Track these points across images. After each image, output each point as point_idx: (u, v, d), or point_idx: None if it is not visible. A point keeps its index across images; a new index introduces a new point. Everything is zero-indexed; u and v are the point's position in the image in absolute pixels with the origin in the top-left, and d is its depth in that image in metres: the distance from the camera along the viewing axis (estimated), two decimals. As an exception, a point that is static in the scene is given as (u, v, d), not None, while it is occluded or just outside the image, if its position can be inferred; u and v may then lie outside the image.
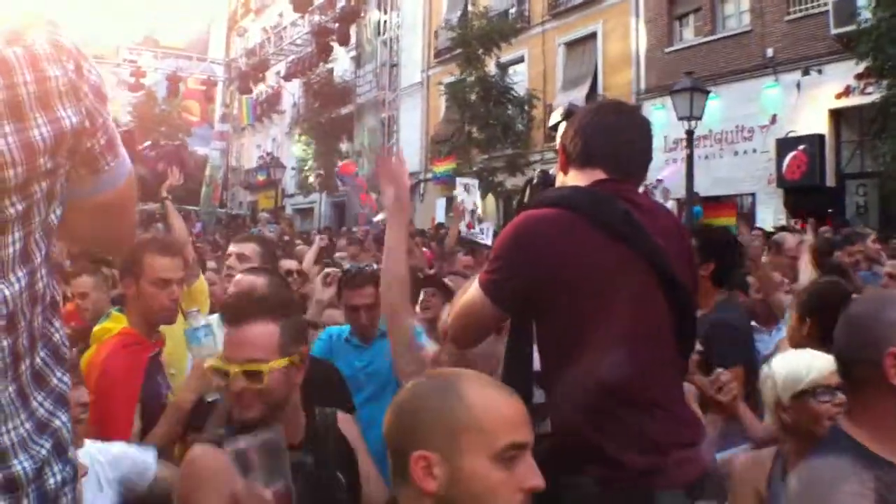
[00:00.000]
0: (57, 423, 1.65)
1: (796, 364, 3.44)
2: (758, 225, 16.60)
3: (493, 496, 1.93)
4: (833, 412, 3.24)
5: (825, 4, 19.99)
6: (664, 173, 16.72)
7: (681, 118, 17.85)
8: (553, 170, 3.34)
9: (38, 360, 1.61)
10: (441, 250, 13.35)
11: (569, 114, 3.33)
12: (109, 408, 3.62)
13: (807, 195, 20.35)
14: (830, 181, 20.68)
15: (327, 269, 6.17)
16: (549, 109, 28.24)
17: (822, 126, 20.70)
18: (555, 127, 3.39)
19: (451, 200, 26.07)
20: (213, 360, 2.89)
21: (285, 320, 2.85)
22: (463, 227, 13.95)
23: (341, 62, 39.61)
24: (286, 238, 18.56)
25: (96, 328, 4.14)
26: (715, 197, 21.41)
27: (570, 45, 29.66)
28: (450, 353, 3.37)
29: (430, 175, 33.29)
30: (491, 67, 26.40)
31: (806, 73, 20.75)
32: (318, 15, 33.00)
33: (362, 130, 36.16)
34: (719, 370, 4.04)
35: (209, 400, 3.57)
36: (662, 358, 2.79)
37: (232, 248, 5.40)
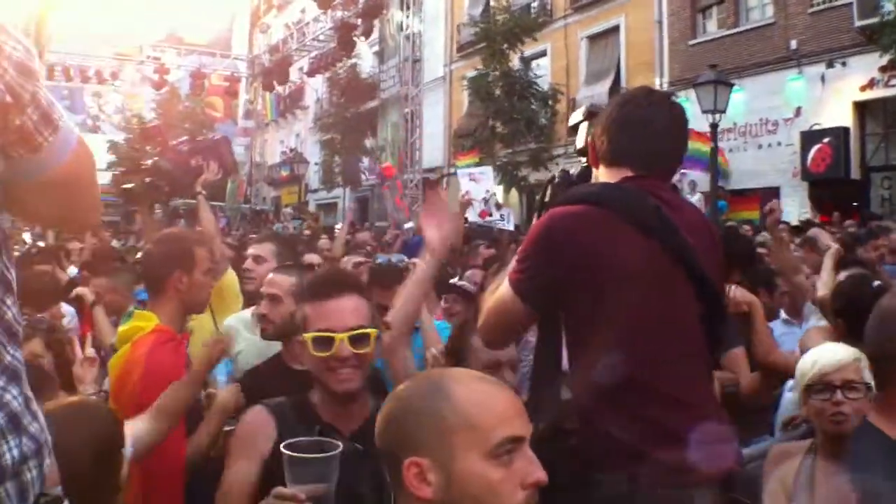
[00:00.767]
0: (8, 397, 1.63)
1: (807, 359, 3.49)
2: (783, 219, 16.55)
3: (494, 496, 1.85)
4: (831, 410, 3.30)
5: (849, -4, 19.90)
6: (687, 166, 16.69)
7: (705, 111, 17.78)
8: (574, 169, 3.35)
9: None
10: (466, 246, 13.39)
11: (590, 115, 3.31)
12: None
13: (832, 188, 20.30)
14: (855, 174, 20.61)
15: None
16: (572, 104, 28.22)
17: (846, 118, 20.63)
18: (575, 128, 3.40)
19: (474, 195, 26.14)
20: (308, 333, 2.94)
21: (366, 297, 3.03)
22: (474, 216, 13.92)
23: (364, 57, 39.65)
24: (310, 233, 18.60)
25: (124, 328, 4.13)
26: (739, 190, 21.35)
27: (593, 39, 29.63)
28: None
29: (452, 170, 33.27)
30: (515, 62, 26.33)
31: (830, 65, 20.67)
32: (341, 10, 32.97)
33: (386, 125, 36.19)
34: (734, 287, 4.13)
35: (226, 430, 3.61)
36: (691, 353, 2.78)
37: (250, 251, 5.50)
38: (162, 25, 51.11)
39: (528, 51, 27.16)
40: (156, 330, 3.94)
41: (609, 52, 28.83)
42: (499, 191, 15.14)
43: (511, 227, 14.41)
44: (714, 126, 17.86)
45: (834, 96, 20.68)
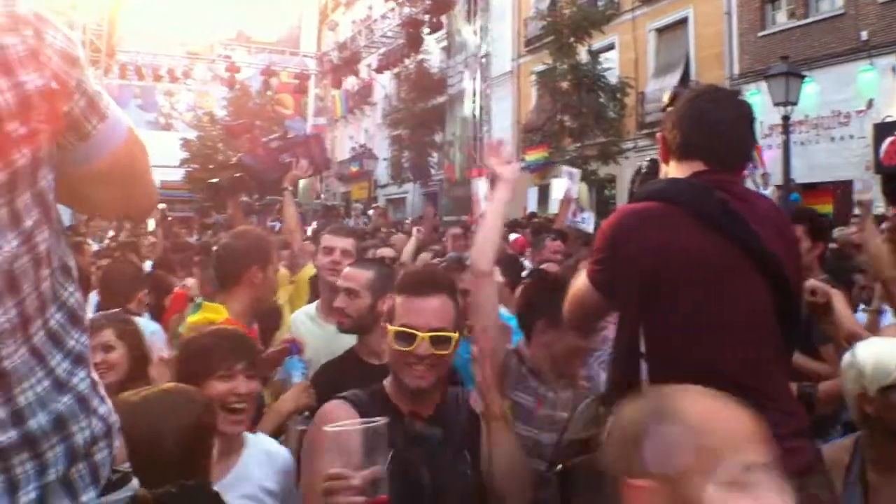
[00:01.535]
0: (75, 380, 1.68)
1: (887, 355, 3.27)
2: (855, 212, 16.40)
3: None
4: None
5: (920, -14, 19.59)
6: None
7: (777, 104, 17.64)
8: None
9: (52, 322, 1.64)
10: (533, 239, 13.45)
11: (675, 98, 3.31)
12: None
13: (905, 182, 20.01)
14: (929, 167, 20.25)
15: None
16: (640, 97, 28.09)
17: (919, 110, 20.28)
18: (665, 110, 3.36)
19: (542, 189, 26.12)
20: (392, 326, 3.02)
21: (455, 300, 3.13)
22: (569, 214, 14.02)
23: (433, 54, 39.82)
24: (373, 228, 18.80)
25: (193, 318, 4.27)
26: (812, 184, 21.15)
27: (661, 31, 29.46)
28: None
29: (521, 164, 33.18)
30: (582, 55, 26.26)
31: (901, 56, 20.36)
32: (409, 6, 33.16)
33: (454, 121, 36.32)
34: (813, 281, 3.96)
35: (299, 428, 3.73)
36: (767, 347, 2.80)
37: (337, 244, 5.47)
38: (232, 24, 51.72)
39: (596, 44, 26.87)
40: (226, 324, 3.96)
41: (678, 45, 28.62)
42: (578, 189, 15.07)
43: (591, 229, 14.44)
44: (786, 118, 17.71)
45: (906, 87, 20.36)
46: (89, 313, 2.91)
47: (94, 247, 13.68)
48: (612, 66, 29.03)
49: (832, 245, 8.14)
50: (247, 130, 14.55)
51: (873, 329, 4.71)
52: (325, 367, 4.30)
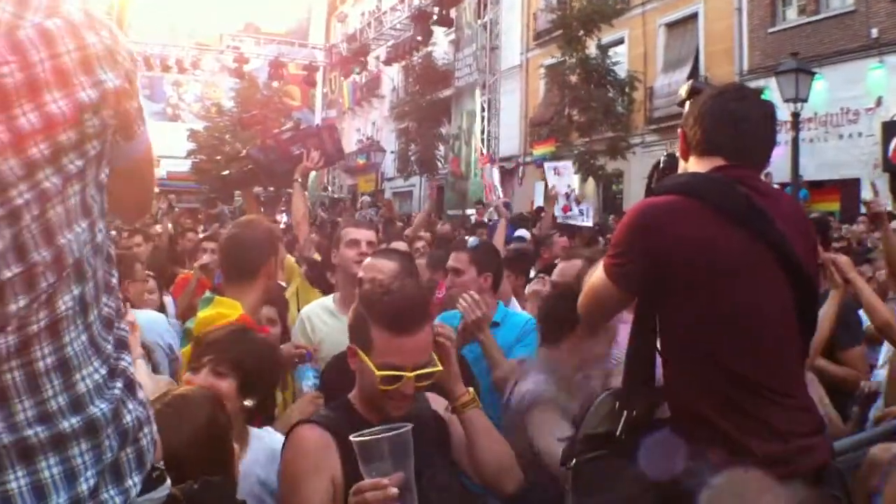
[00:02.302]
0: (123, 364, 1.73)
1: None
2: (863, 211, 16.36)
3: None
4: None
5: (931, -17, 19.50)
6: None
7: (786, 100, 17.59)
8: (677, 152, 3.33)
9: (105, 309, 1.70)
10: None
11: (693, 91, 3.27)
12: None
13: (913, 180, 19.95)
14: (937, 165, 20.17)
15: None
16: (649, 92, 28.00)
17: (928, 109, 20.17)
18: (682, 104, 3.30)
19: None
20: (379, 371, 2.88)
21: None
22: (558, 211, 13.93)
23: (440, 46, 39.74)
24: (385, 220, 18.85)
25: (205, 313, 4.06)
26: (818, 182, 21.09)
27: (671, 27, 29.38)
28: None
29: (529, 158, 33.19)
30: (591, 49, 26.19)
31: (912, 54, 20.27)
32: (418, -1, 33.08)
33: (461, 114, 36.23)
34: (832, 255, 4.01)
35: None
36: (786, 344, 2.79)
37: (362, 236, 5.38)
38: (240, 15, 51.64)
39: (606, 38, 26.82)
40: (241, 320, 3.87)
41: (687, 40, 28.55)
42: (575, 182, 15.03)
43: (590, 224, 14.32)
44: (795, 115, 17.66)
45: (916, 86, 20.25)
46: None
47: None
48: (622, 60, 28.97)
49: (836, 245, 8.13)
50: (259, 122, 14.49)
51: None
52: (337, 357, 4.20)
